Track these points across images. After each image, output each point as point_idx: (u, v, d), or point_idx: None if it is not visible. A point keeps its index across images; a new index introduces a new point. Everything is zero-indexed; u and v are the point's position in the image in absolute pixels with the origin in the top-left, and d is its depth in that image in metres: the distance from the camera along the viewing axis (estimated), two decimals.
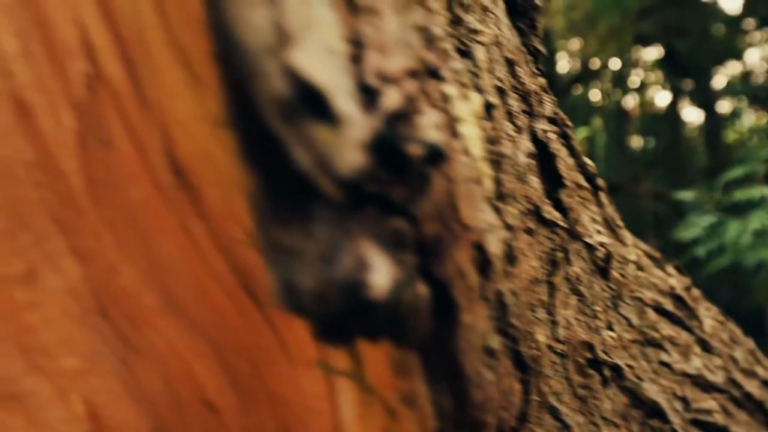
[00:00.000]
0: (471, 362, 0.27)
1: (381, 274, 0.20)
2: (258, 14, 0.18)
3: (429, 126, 0.23)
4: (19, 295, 0.27)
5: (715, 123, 5.15)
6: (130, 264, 0.28)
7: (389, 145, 0.20)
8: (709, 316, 0.72)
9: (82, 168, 0.27)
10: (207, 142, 0.27)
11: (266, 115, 0.17)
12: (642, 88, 5.45)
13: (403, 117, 0.22)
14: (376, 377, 0.27)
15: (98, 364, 0.28)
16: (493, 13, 0.43)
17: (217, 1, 0.18)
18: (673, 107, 5.32)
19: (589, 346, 0.46)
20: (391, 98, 0.22)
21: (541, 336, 0.39)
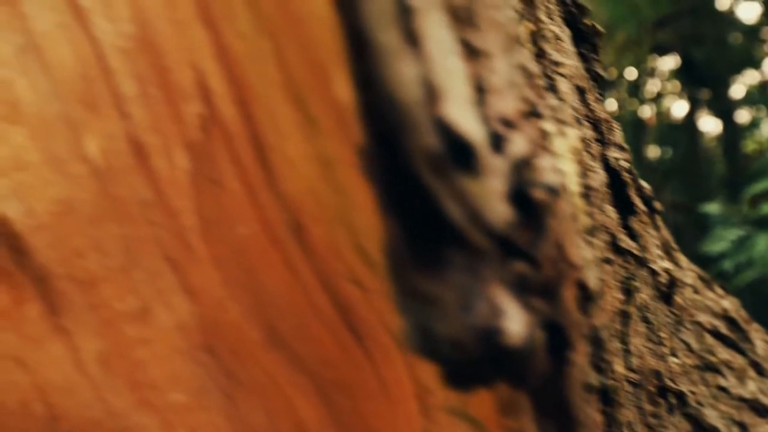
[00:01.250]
0: (576, 400, 0.28)
1: (515, 320, 0.21)
2: (406, 69, 0.18)
3: (548, 168, 0.24)
4: (132, 331, 0.28)
5: (733, 133, 5.12)
6: (235, 300, 0.29)
7: (522, 193, 0.21)
8: (759, 337, 0.72)
9: (194, 207, 0.27)
10: (315, 181, 0.27)
11: (417, 168, 0.18)
12: (659, 98, 5.44)
13: (526, 162, 0.23)
14: (483, 415, 0.28)
15: (204, 398, 0.29)
16: (562, 41, 0.43)
17: (366, 57, 0.18)
18: (690, 117, 5.30)
19: (657, 374, 0.46)
20: (518, 144, 0.22)
21: (618, 366, 0.40)
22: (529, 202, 0.22)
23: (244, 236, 0.29)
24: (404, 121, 0.18)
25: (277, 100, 0.26)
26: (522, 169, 0.23)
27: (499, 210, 0.19)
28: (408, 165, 0.18)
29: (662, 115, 5.59)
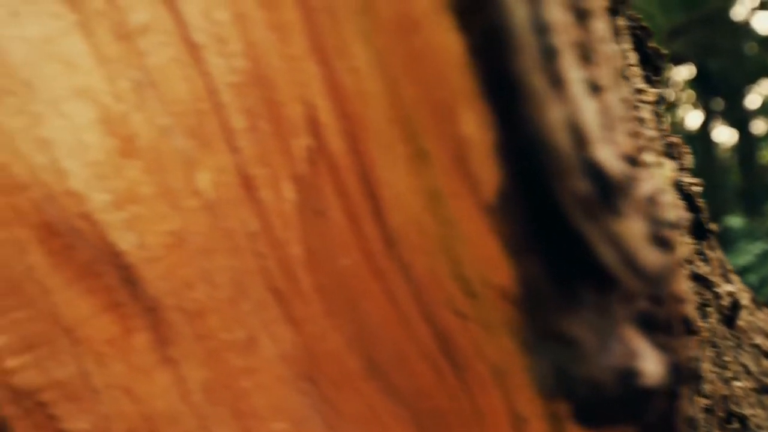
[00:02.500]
0: None
1: (651, 361, 0.21)
2: (555, 112, 0.18)
3: (669, 204, 0.24)
4: (237, 361, 0.28)
5: (748, 143, 5.09)
6: (337, 330, 0.29)
7: (657, 233, 0.21)
8: None
9: (299, 238, 0.28)
10: (419, 213, 0.28)
11: (567, 210, 0.18)
12: (673, 108, 5.43)
13: (653, 199, 0.23)
14: None
15: (306, 428, 0.29)
16: (634, 66, 0.43)
17: (515, 99, 0.18)
18: (705, 127, 5.28)
19: (725, 399, 0.46)
20: (646, 182, 0.22)
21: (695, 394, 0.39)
22: (663, 241, 0.22)
23: (346, 267, 0.29)
24: (554, 163, 0.18)
25: (387, 134, 0.26)
26: (650, 207, 0.23)
27: (649, 252, 0.19)
28: (556, 207, 0.18)
29: (677, 125, 5.57)
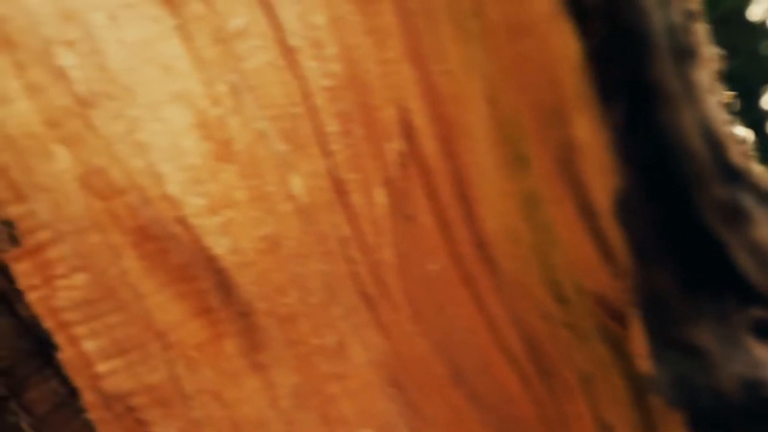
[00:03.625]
0: None
1: None
2: (690, 116, 0.18)
3: None
4: (326, 366, 0.28)
5: (765, 144, 5.06)
6: (424, 335, 0.29)
7: None
8: None
9: (389, 242, 0.27)
10: (513, 218, 0.27)
11: (706, 218, 0.17)
12: None
13: None
14: None
15: None
16: None
17: (651, 104, 0.18)
18: None
19: None
20: (763, 184, 0.22)
21: None
22: None
23: (434, 272, 0.28)
24: (693, 169, 0.17)
25: (482, 138, 0.26)
26: None
27: None
28: (692, 214, 0.18)
29: None
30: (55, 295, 0.26)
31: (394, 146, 0.27)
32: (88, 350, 0.27)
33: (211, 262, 0.26)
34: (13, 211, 0.26)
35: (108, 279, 0.26)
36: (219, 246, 0.26)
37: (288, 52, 0.25)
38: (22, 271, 0.26)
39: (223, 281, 0.26)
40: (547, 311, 0.28)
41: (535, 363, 0.29)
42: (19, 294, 0.50)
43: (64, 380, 0.28)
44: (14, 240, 0.27)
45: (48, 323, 0.27)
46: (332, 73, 0.26)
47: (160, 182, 0.26)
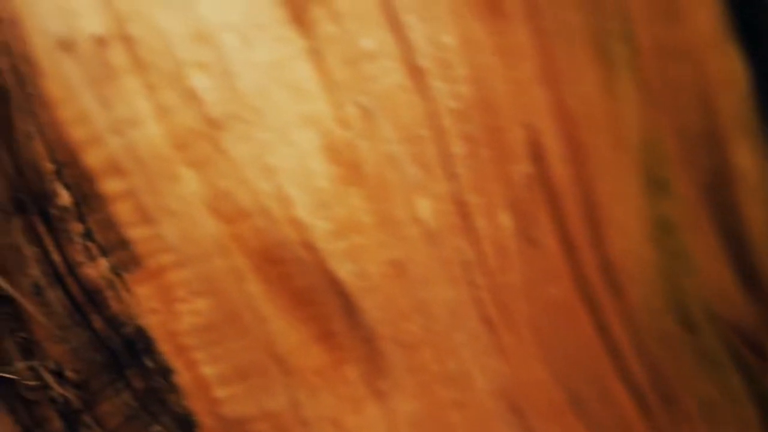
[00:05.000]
0: None
1: None
2: None
3: None
4: (447, 394, 0.27)
5: None
6: (544, 360, 0.28)
7: None
8: None
9: (512, 266, 0.27)
10: (642, 242, 0.27)
11: None
12: None
13: None
14: None
15: None
16: None
17: None
18: None
19: None
20: None
21: None
22: None
23: (556, 296, 0.28)
24: None
25: (614, 161, 0.26)
26: None
27: None
28: None
29: None
30: (175, 319, 0.26)
31: (521, 168, 0.26)
32: (206, 375, 0.26)
33: (335, 287, 0.26)
34: (137, 233, 0.26)
35: (230, 303, 0.26)
36: (344, 270, 0.26)
37: (416, 73, 0.25)
38: (143, 293, 0.26)
39: (347, 306, 0.26)
40: (671, 337, 0.27)
41: (656, 389, 0.28)
42: (95, 307, 0.50)
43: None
44: (135, 262, 0.27)
45: (166, 347, 0.26)
46: (460, 95, 0.25)
47: (287, 205, 0.25)
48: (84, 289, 0.50)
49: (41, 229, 0.48)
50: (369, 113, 0.25)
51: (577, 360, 0.28)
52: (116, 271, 0.52)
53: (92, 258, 0.50)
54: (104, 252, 0.51)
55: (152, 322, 0.26)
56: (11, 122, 0.48)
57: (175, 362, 0.26)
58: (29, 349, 0.47)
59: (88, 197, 0.51)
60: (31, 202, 0.48)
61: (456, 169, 0.26)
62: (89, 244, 0.50)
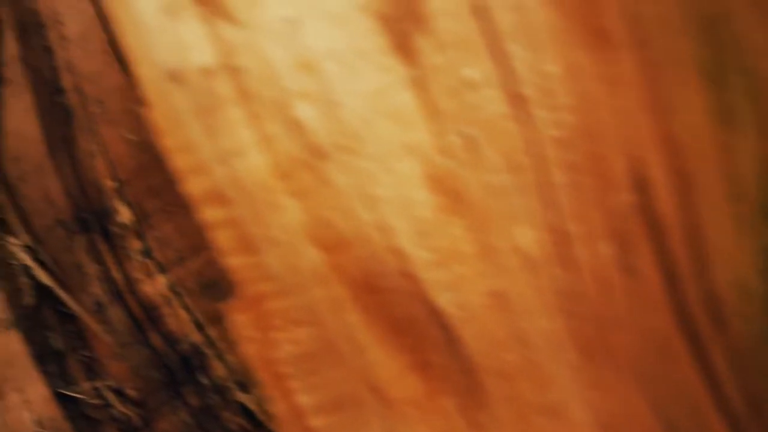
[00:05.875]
0: None
1: None
2: None
3: None
4: (546, 426, 0.27)
5: None
6: (641, 393, 0.28)
7: None
8: None
9: (612, 297, 0.27)
10: (746, 274, 0.26)
11: None
12: None
13: None
14: None
15: None
16: None
17: None
18: None
19: None
20: None
21: None
22: None
23: (655, 327, 0.27)
24: None
25: (724, 192, 0.25)
26: None
27: None
28: None
29: None
30: (273, 347, 0.26)
31: (624, 198, 0.26)
32: (302, 404, 0.26)
33: (435, 317, 0.26)
34: (237, 261, 0.26)
35: (329, 332, 0.26)
36: (445, 300, 0.25)
37: (519, 101, 0.25)
38: (240, 321, 0.26)
39: (446, 336, 0.26)
40: None
41: (757, 423, 0.28)
42: (153, 324, 0.51)
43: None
44: (233, 290, 0.27)
45: (263, 375, 0.27)
46: (563, 123, 0.25)
47: (388, 235, 0.25)
48: (143, 307, 0.51)
49: (102, 246, 0.49)
50: (472, 142, 0.25)
51: (676, 392, 0.28)
52: (174, 288, 0.53)
53: (150, 275, 0.51)
54: (162, 269, 0.52)
55: (249, 350, 0.26)
56: (74, 141, 0.49)
57: (271, 390, 0.26)
58: (91, 368, 0.48)
59: (148, 215, 0.51)
60: (93, 220, 0.49)
61: (557, 198, 0.26)
62: (147, 261, 0.51)
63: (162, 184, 0.50)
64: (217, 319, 0.51)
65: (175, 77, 0.23)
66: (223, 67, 0.24)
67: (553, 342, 0.26)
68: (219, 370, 0.51)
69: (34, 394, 0.45)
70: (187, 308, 0.51)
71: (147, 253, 0.51)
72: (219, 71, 0.24)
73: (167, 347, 0.51)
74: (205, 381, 0.53)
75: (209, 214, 0.25)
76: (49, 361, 0.45)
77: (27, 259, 0.45)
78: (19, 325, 0.45)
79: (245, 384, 0.52)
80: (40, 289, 0.46)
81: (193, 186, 0.25)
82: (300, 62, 0.24)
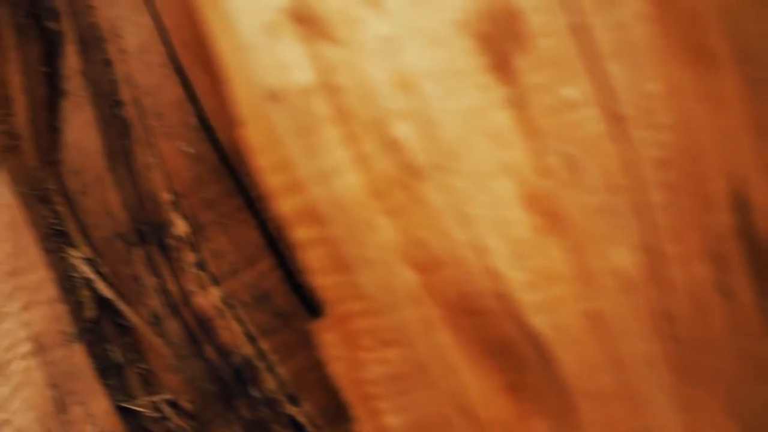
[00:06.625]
0: None
1: None
2: None
3: None
4: None
5: None
6: (735, 416, 0.27)
7: None
8: None
9: (708, 318, 0.26)
10: None
11: None
12: None
13: None
14: None
15: None
16: None
17: None
18: None
19: None
20: None
21: None
22: None
23: (749, 349, 0.27)
24: None
25: None
26: None
27: None
28: None
29: None
30: (361, 367, 0.26)
31: (722, 219, 0.25)
32: (390, 425, 0.26)
33: (529, 338, 0.25)
34: (328, 280, 0.26)
35: (419, 353, 0.26)
36: (540, 321, 0.25)
37: (618, 121, 0.25)
38: (328, 340, 0.26)
39: (541, 357, 0.25)
40: None
41: None
42: (207, 337, 0.51)
43: None
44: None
45: (350, 395, 0.26)
46: (662, 143, 0.25)
47: (483, 255, 0.25)
48: (197, 319, 0.51)
49: (158, 258, 0.49)
50: (571, 162, 0.24)
51: (764, 416, 0.27)
52: (227, 300, 0.53)
53: (204, 287, 0.51)
54: (216, 281, 0.52)
55: (337, 369, 0.26)
56: (132, 154, 0.49)
57: (358, 410, 0.26)
58: (148, 380, 0.48)
59: (203, 227, 0.51)
60: (150, 233, 0.49)
61: (654, 218, 0.25)
62: (201, 273, 0.51)
63: (217, 197, 0.50)
64: (269, 332, 0.51)
65: (275, 96, 0.23)
66: (322, 86, 0.24)
67: (649, 364, 0.26)
68: (270, 382, 0.51)
69: (96, 408, 0.45)
70: (239, 320, 0.51)
71: (201, 265, 0.51)
72: (318, 90, 0.24)
73: (220, 360, 0.52)
74: (256, 394, 0.53)
75: (302, 232, 0.25)
76: (110, 374, 0.46)
77: (88, 272, 0.46)
78: (82, 339, 0.45)
79: (295, 397, 0.51)
80: (100, 301, 0.46)
81: (287, 205, 0.25)
82: (398, 81, 0.24)
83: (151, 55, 0.47)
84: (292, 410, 0.50)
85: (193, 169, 0.48)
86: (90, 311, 0.45)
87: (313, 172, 0.24)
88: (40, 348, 0.45)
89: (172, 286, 0.50)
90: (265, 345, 0.50)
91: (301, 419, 0.50)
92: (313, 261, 0.25)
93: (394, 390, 0.25)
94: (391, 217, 0.24)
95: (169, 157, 0.48)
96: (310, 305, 0.25)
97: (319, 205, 0.24)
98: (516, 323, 0.25)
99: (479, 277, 0.24)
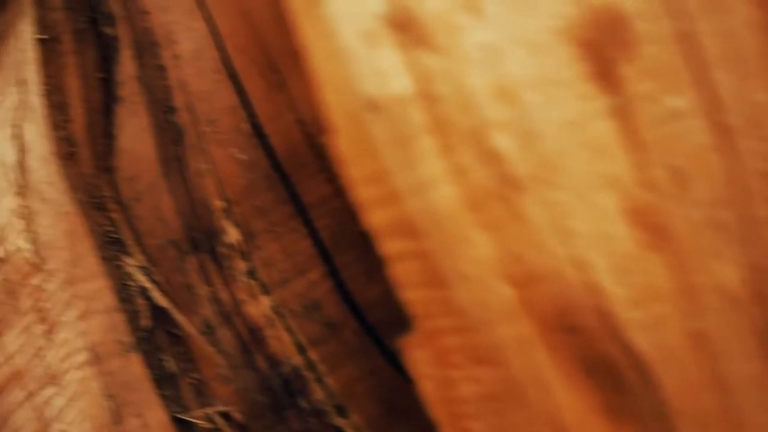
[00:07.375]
0: None
1: None
2: None
3: None
4: None
5: None
6: None
7: None
8: None
9: None
10: None
11: None
12: None
13: None
14: None
15: None
16: None
17: None
18: None
19: None
20: None
21: None
22: None
23: None
24: None
25: None
26: None
27: None
28: None
29: None
30: (451, 385, 0.25)
31: None
32: None
33: (630, 357, 0.25)
34: (419, 294, 0.25)
35: (513, 372, 0.25)
36: (642, 340, 0.24)
37: (724, 132, 0.24)
38: (418, 357, 0.26)
39: (642, 377, 0.25)
40: None
41: None
42: (258, 347, 0.50)
43: None
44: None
45: (439, 414, 0.26)
46: None
47: (583, 270, 0.24)
48: (248, 328, 0.51)
49: (210, 267, 0.49)
50: (679, 175, 0.23)
51: None
52: (277, 310, 0.52)
53: (254, 296, 0.50)
54: (266, 290, 0.51)
55: (426, 387, 0.25)
56: (185, 160, 0.49)
57: (446, 430, 0.25)
58: (200, 391, 0.48)
59: (254, 235, 0.51)
60: (203, 240, 0.49)
61: (761, 233, 0.24)
62: (252, 282, 0.50)
63: (268, 205, 0.50)
64: (319, 342, 0.51)
65: (372, 106, 0.23)
66: (420, 96, 0.23)
67: (753, 386, 0.25)
68: (318, 393, 0.50)
69: (152, 419, 0.45)
70: (289, 330, 0.50)
71: (252, 273, 0.51)
72: (416, 99, 0.23)
73: (271, 370, 0.51)
74: (304, 405, 0.52)
75: (394, 245, 0.24)
76: (165, 384, 0.45)
77: (144, 281, 0.46)
78: (138, 348, 0.45)
79: (343, 408, 0.51)
80: (155, 310, 0.46)
81: (379, 217, 0.24)
82: (498, 90, 0.23)
83: (205, 60, 0.47)
84: (340, 422, 0.50)
85: (246, 176, 0.47)
86: (146, 320, 0.45)
87: (409, 184, 0.23)
88: (96, 358, 0.45)
89: (223, 295, 0.49)
90: (314, 355, 0.50)
91: (349, 430, 0.49)
92: (404, 274, 0.24)
93: (487, 410, 0.25)
94: (488, 231, 0.23)
95: (221, 163, 0.48)
96: (399, 318, 0.24)
97: (414, 217, 0.24)
98: (616, 341, 0.24)
99: (579, 293, 0.24)
